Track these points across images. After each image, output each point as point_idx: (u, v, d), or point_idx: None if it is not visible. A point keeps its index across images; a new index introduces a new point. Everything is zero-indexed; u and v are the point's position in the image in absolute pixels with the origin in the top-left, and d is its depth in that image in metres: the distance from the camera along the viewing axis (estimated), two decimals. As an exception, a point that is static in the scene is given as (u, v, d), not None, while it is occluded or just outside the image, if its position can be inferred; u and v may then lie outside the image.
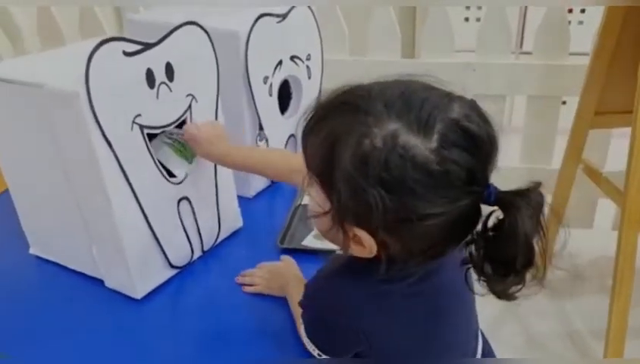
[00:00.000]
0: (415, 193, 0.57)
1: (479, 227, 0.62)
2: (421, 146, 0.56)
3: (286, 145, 1.33)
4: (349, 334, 0.71)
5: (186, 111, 0.97)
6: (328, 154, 0.60)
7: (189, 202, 1.01)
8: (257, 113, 1.20)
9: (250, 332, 0.91)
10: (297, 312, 0.84)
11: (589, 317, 1.89)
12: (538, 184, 0.60)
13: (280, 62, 1.22)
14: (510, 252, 0.58)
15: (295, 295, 0.88)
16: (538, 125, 2.06)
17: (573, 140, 1.82)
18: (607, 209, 2.04)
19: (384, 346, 0.71)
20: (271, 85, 1.22)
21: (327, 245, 1.04)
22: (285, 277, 0.97)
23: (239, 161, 1.02)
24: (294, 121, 1.32)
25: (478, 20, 2.20)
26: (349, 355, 0.74)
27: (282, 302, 0.95)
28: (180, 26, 0.94)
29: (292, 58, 1.26)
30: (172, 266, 1.01)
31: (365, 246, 0.63)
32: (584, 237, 2.14)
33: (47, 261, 1.07)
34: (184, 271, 1.03)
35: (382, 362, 0.73)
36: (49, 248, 1.07)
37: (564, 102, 2.16)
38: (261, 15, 1.14)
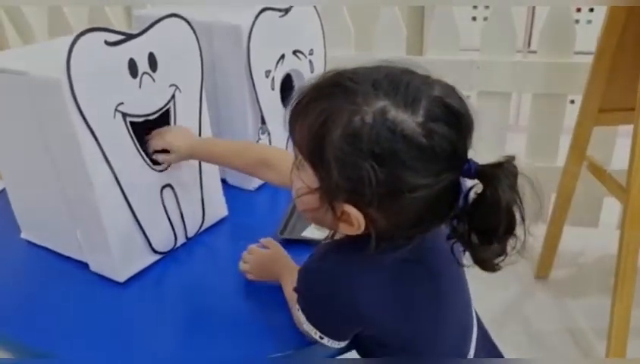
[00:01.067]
0: (404, 165, 0.60)
1: (460, 202, 0.65)
2: (409, 120, 0.60)
3: (288, 138, 1.34)
4: (346, 313, 0.73)
5: (169, 101, 1.00)
6: (319, 133, 0.63)
7: (173, 190, 1.04)
8: (259, 106, 1.22)
9: (231, 318, 0.92)
10: (291, 297, 0.86)
11: (593, 316, 1.87)
12: (512, 157, 0.64)
13: (282, 56, 1.24)
14: (494, 221, 0.63)
15: (288, 281, 0.90)
16: (542, 123, 2.05)
17: (577, 137, 1.81)
18: (612, 208, 2.02)
19: (381, 322, 0.73)
20: (273, 79, 1.23)
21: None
22: (275, 264, 0.97)
23: (214, 150, 1.04)
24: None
25: (485, 19, 2.21)
26: (350, 335, 0.77)
27: (267, 288, 0.96)
28: (164, 18, 0.96)
29: (294, 52, 1.27)
30: (155, 251, 1.03)
31: (354, 223, 0.66)
32: (589, 236, 2.13)
33: (37, 245, 1.10)
34: (167, 257, 1.06)
35: (382, 338, 0.75)
36: (39, 233, 1.10)
37: (572, 101, 2.15)
38: (264, 9, 1.15)
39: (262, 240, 1.02)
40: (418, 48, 2.69)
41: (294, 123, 0.68)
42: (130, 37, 0.91)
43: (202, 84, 1.06)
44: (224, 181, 1.21)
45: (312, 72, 1.33)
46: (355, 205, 0.64)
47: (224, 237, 1.14)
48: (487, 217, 0.63)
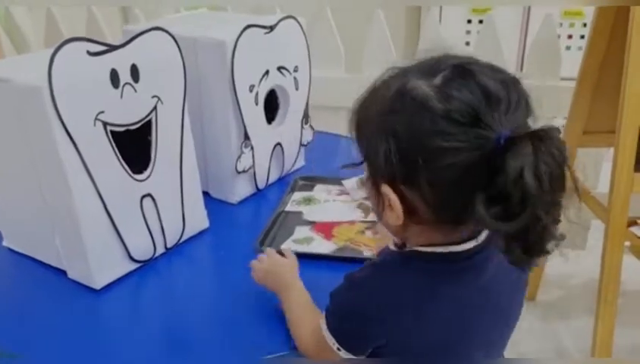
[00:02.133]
0: (419, 129, 0.61)
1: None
2: (424, 85, 0.61)
3: (272, 154, 1.35)
4: (376, 326, 0.72)
5: (151, 112, 1.01)
6: (365, 118, 0.69)
7: (153, 199, 1.05)
8: (243, 121, 1.23)
9: (207, 328, 0.93)
10: (296, 313, 0.87)
11: (580, 338, 1.87)
12: (554, 128, 0.59)
13: (267, 72, 1.25)
14: (501, 187, 0.57)
15: (293, 299, 0.89)
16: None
17: (562, 159, 1.83)
18: (600, 231, 2.02)
19: (404, 345, 0.72)
20: (257, 94, 1.25)
21: (305, 249, 1.08)
22: (278, 278, 0.94)
23: None
24: (281, 130, 1.35)
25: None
26: (368, 349, 0.74)
27: (244, 299, 0.97)
28: (147, 30, 0.99)
29: (279, 68, 1.29)
30: (133, 260, 1.04)
31: (393, 207, 0.66)
32: (577, 258, 2.13)
33: (18, 253, 1.11)
34: (146, 266, 1.06)
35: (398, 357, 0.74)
36: (20, 240, 1.11)
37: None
38: (249, 26, 1.18)
39: (285, 250, 0.99)
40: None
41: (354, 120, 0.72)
42: (112, 48, 0.93)
43: (184, 97, 1.07)
44: (206, 193, 1.22)
45: (296, 88, 1.35)
46: (390, 184, 0.65)
47: (204, 248, 1.15)
48: (497, 183, 0.57)
